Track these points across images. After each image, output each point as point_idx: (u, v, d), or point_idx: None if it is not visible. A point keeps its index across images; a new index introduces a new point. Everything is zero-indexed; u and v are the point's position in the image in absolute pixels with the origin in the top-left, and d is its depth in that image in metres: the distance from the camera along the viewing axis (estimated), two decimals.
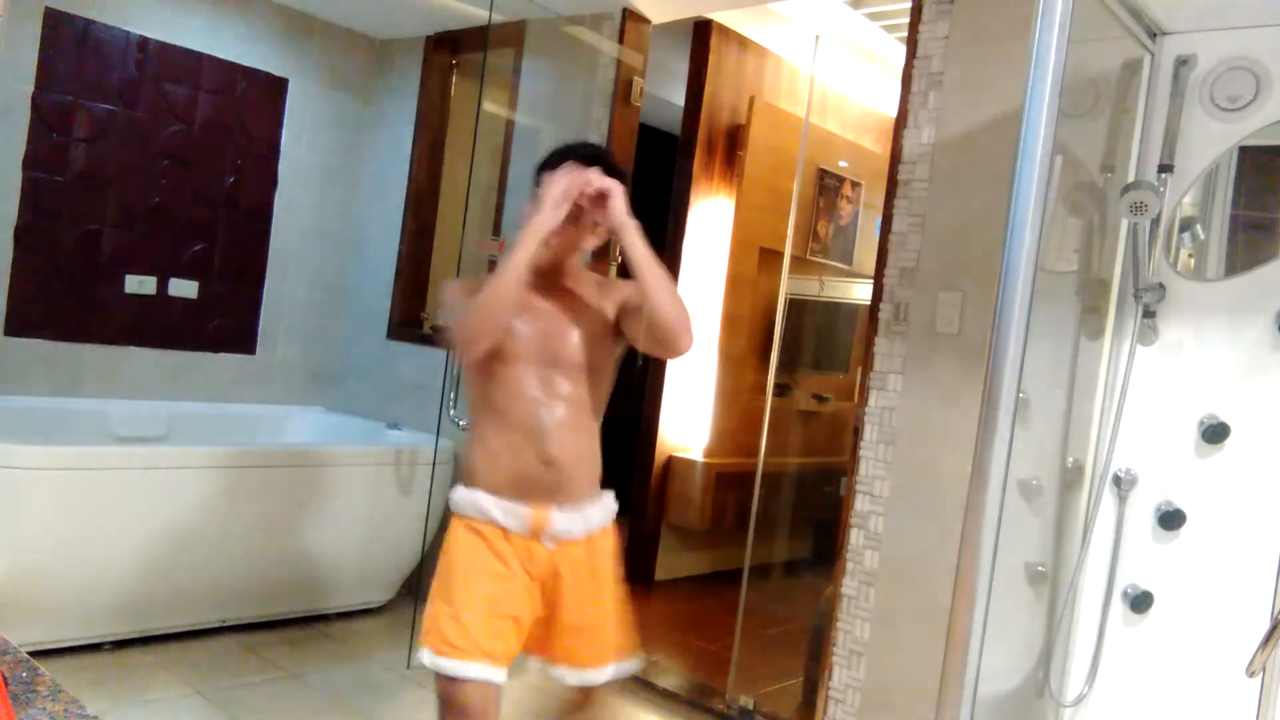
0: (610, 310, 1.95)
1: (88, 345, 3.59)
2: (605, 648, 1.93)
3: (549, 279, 1.94)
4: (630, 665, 1.98)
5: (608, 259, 3.47)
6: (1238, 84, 2.20)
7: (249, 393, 4.06)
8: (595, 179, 1.82)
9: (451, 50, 4.16)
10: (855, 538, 2.65)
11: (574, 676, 1.92)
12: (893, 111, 2.67)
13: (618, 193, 1.82)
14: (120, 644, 2.99)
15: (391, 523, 3.55)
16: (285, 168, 4.07)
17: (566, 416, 1.88)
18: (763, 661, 3.45)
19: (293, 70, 4.05)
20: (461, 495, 1.89)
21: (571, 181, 1.82)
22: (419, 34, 4.16)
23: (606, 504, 1.97)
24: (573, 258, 1.97)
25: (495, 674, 1.76)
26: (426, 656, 1.78)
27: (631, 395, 4.08)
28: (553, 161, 1.92)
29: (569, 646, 1.91)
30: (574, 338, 1.91)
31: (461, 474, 1.94)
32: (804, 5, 4.00)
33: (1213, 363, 2.22)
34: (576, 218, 1.87)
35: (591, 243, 1.97)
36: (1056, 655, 2.34)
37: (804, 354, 4.92)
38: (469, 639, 1.75)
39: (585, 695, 1.97)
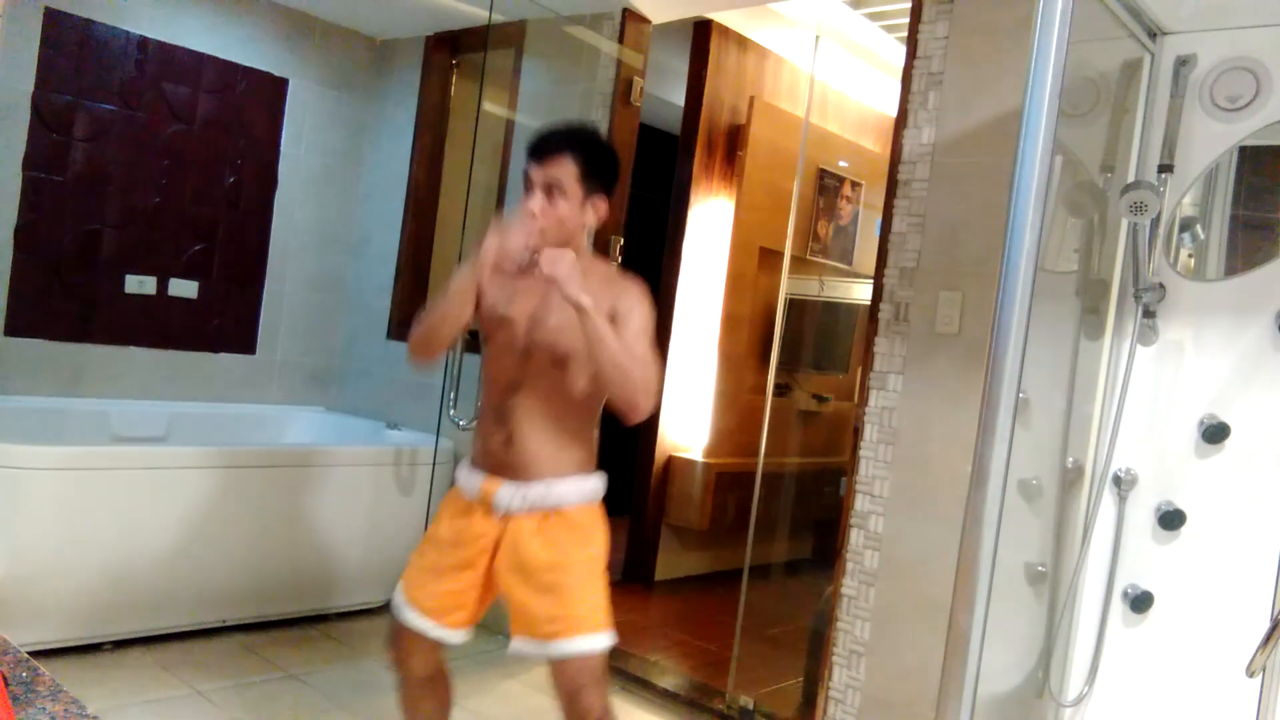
0: (606, 310, 1.88)
1: (88, 345, 3.58)
2: (552, 621, 1.85)
3: None
4: (591, 642, 1.86)
5: (608, 258, 3.46)
6: (1238, 84, 2.20)
7: (249, 393, 4.06)
8: (548, 262, 1.78)
9: (451, 50, 4.16)
10: (855, 538, 2.65)
11: (527, 646, 1.89)
12: (893, 111, 2.67)
13: (563, 269, 1.77)
14: (120, 644, 2.99)
15: (391, 523, 3.55)
16: (285, 168, 4.07)
17: (539, 398, 1.92)
18: (763, 661, 3.45)
19: (293, 70, 4.05)
20: (461, 463, 2.07)
21: (501, 244, 1.85)
22: (419, 34, 4.16)
23: (573, 485, 1.92)
24: (575, 242, 1.93)
25: (414, 618, 1.97)
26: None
27: None
28: (536, 145, 1.91)
29: (518, 617, 1.91)
30: (558, 323, 1.89)
31: None
32: (804, 5, 4.00)
33: (1213, 362, 2.22)
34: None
35: (591, 222, 1.95)
36: (1056, 655, 2.34)
37: (804, 354, 4.92)
38: (406, 586, 2.01)
39: (553, 672, 1.90)
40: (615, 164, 2.01)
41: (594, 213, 1.94)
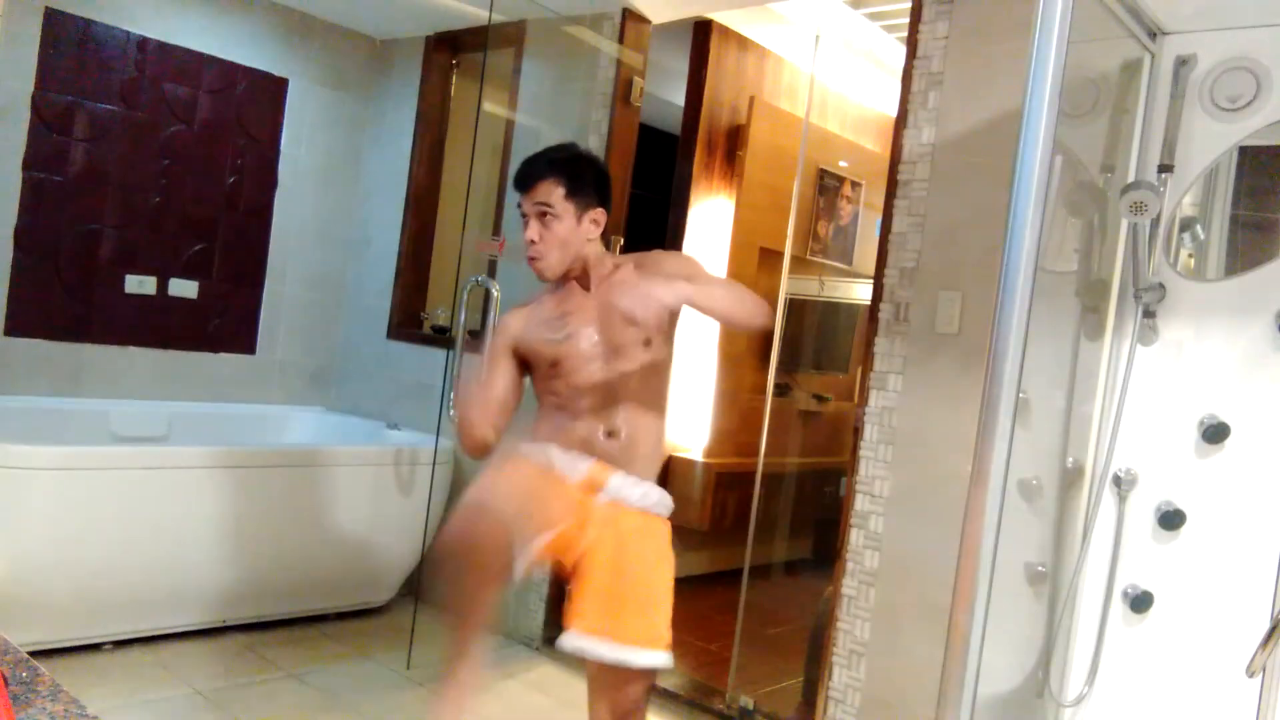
0: (662, 289, 1.82)
1: (88, 345, 3.58)
2: (627, 625, 1.86)
3: (581, 279, 2.02)
4: (653, 659, 1.89)
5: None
6: (1238, 84, 2.20)
7: (249, 393, 4.06)
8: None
9: (451, 50, 4.16)
10: (855, 538, 2.65)
11: (591, 644, 1.85)
12: (893, 111, 2.67)
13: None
14: (120, 644, 2.99)
15: (391, 523, 3.55)
16: (285, 168, 4.07)
17: (640, 390, 2.00)
18: (763, 661, 3.44)
19: (293, 70, 4.05)
20: (528, 445, 1.98)
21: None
22: (419, 34, 4.16)
23: (663, 493, 2.05)
24: (583, 255, 2.00)
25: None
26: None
27: None
28: (519, 176, 1.97)
29: (591, 606, 1.87)
30: (627, 306, 1.85)
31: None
32: (804, 5, 3.99)
33: (1213, 363, 2.22)
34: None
35: (594, 234, 2.00)
36: (1056, 655, 2.34)
37: (804, 354, 4.92)
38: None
39: (605, 677, 1.90)
40: (601, 174, 2.04)
41: (593, 225, 2.00)
